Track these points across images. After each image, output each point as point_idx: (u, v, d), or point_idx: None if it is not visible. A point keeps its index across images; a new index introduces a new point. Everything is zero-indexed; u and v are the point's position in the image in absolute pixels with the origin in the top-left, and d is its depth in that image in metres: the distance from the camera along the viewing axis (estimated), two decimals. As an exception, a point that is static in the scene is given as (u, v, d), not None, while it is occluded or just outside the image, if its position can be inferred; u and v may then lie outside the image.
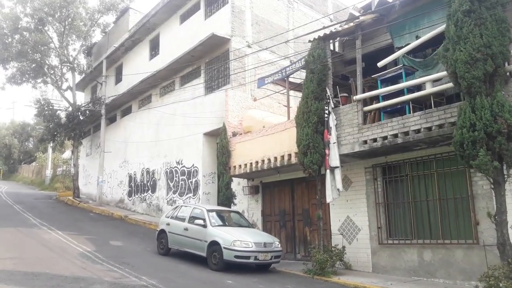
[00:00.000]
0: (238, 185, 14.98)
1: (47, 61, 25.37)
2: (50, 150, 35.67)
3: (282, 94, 16.94)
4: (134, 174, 21.61)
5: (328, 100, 10.69)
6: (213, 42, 16.10)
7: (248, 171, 13.44)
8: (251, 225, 11.66)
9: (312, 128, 10.48)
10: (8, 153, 51.95)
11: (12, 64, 24.78)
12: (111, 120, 24.60)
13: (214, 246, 10.06)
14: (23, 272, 8.39)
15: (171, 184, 18.45)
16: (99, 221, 18.20)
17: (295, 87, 15.54)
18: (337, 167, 10.29)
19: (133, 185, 21.68)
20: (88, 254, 10.87)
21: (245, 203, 14.73)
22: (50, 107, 25.26)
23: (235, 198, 13.97)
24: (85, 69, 24.85)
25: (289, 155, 11.95)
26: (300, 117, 10.82)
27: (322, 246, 10.41)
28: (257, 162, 13.10)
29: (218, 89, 16.40)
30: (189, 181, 17.28)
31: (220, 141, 14.22)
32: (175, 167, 18.34)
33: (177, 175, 18.13)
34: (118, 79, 24.81)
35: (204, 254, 10.31)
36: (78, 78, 26.69)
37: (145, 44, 21.93)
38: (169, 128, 19.13)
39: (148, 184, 20.28)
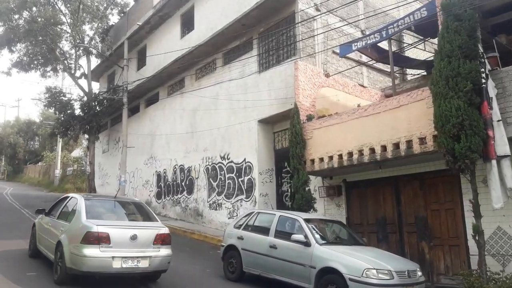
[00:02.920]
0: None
1: (59, 44, 22.07)
2: (59, 148, 32.41)
3: (356, 72, 13.62)
4: (164, 173, 18.28)
5: (483, 60, 7.36)
6: (273, 4, 12.76)
7: (334, 165, 10.06)
8: (363, 241, 8.26)
9: (464, 99, 7.12)
10: (12, 153, 48.83)
11: (19, 47, 21.49)
12: (133, 111, 21.28)
13: (328, 275, 6.70)
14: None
15: (214, 184, 15.10)
16: (126, 230, 14.86)
17: (382, 58, 12.22)
18: (507, 155, 6.96)
19: (162, 185, 18.34)
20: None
21: (320, 208, 11.38)
22: (62, 97, 21.97)
23: (315, 202, 10.61)
24: (103, 51, 21.47)
25: (408, 141, 8.58)
26: (441, 84, 7.45)
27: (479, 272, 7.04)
28: (350, 154, 9.73)
29: (278, 64, 13.02)
30: (240, 179, 13.92)
31: (291, 127, 10.86)
32: (220, 163, 14.99)
33: (222, 173, 14.78)
34: (141, 64, 21.47)
35: (310, 286, 6.94)
36: (92, 65, 23.42)
37: (175, 19, 18.60)
38: (209, 117, 15.80)
39: (183, 184, 16.94)
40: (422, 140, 8.36)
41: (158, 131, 19.09)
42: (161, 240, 7.15)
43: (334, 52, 13.15)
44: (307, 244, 7.16)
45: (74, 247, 6.58)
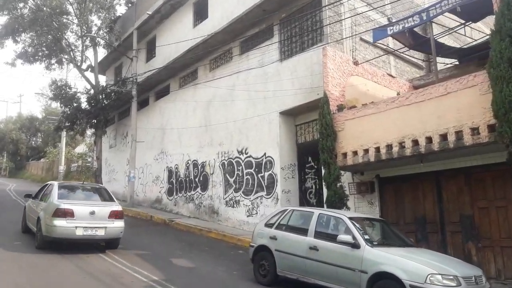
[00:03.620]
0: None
1: (65, 35, 21.24)
2: (63, 143, 31.61)
3: (384, 61, 12.80)
4: (176, 168, 17.48)
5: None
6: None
7: (371, 159, 9.25)
8: (411, 242, 7.44)
9: (532, 83, 6.31)
10: (15, 149, 48.05)
11: (24, 37, 20.66)
12: (141, 104, 20.45)
13: (383, 280, 5.89)
14: None
15: (231, 180, 14.30)
16: (139, 228, 14.09)
17: (416, 44, 11.39)
18: None
19: (174, 181, 17.54)
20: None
21: (351, 205, 10.51)
22: (68, 90, 21.15)
23: (348, 199, 9.79)
24: (111, 41, 20.61)
25: (458, 132, 7.77)
26: (503, 67, 6.64)
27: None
28: (389, 147, 8.92)
29: (302, 51, 12.18)
30: (259, 175, 13.11)
31: (321, 118, 10.05)
32: (237, 157, 14.18)
33: (240, 168, 13.97)
34: (150, 55, 20.66)
35: (360, 293, 6.15)
36: (99, 57, 22.57)
37: (188, 8, 17.76)
38: (225, 109, 14.98)
39: (196, 180, 16.14)
40: (474, 131, 7.56)
41: (169, 124, 18.29)
42: (114, 215, 9.44)
43: (361, 39, 12.33)
44: (355, 245, 6.36)
45: (48, 219, 8.86)
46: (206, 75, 16.42)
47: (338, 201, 9.45)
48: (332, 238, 6.82)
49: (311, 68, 11.57)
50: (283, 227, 7.73)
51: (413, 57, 14.37)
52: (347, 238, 6.43)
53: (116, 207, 9.65)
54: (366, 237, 6.51)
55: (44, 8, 19.31)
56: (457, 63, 12.60)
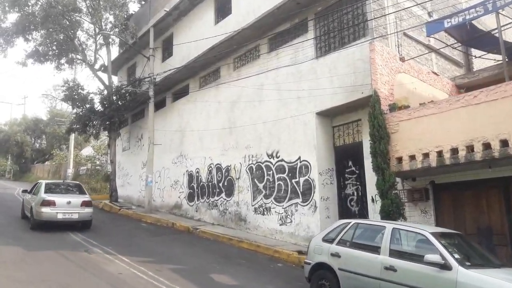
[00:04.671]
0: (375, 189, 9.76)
1: (78, 34, 20.41)
2: (71, 146, 30.73)
3: (426, 59, 11.96)
4: (197, 172, 16.60)
5: None
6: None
7: (432, 165, 8.41)
8: (498, 260, 6.55)
9: None
10: (19, 151, 47.15)
11: (35, 36, 19.80)
12: (157, 106, 19.52)
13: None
14: None
15: (261, 185, 13.42)
16: (162, 236, 13.26)
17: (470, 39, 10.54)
18: None
19: (195, 186, 16.66)
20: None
21: (400, 214, 9.64)
22: (80, 90, 20.30)
23: (404, 208, 8.91)
24: (127, 39, 19.74)
25: (542, 135, 6.90)
26: None
27: None
28: (454, 150, 8.06)
29: (342, 47, 11.30)
30: (293, 181, 12.23)
31: (372, 119, 9.18)
32: (267, 161, 13.30)
33: (270, 173, 13.09)
34: (167, 55, 19.79)
35: (454, 323, 5.27)
36: (111, 56, 21.68)
37: (208, 4, 16.90)
38: (252, 110, 14.11)
39: (220, 185, 15.26)
40: None
41: (189, 126, 17.41)
42: (85, 204, 12.87)
43: (405, 34, 11.46)
44: (445, 267, 5.48)
45: (37, 208, 12.24)
46: (229, 74, 15.55)
47: (395, 210, 8.56)
48: (412, 257, 5.96)
49: (353, 65, 10.70)
50: (346, 243, 6.85)
51: (454, 54, 13.54)
52: (436, 258, 5.55)
53: (86, 198, 13.24)
54: (457, 256, 5.63)
55: (57, 5, 18.43)
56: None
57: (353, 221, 7.19)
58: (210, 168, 15.86)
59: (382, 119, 9.10)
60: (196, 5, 17.46)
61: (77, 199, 12.82)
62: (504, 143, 7.40)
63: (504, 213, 8.38)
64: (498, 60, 11.77)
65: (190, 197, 16.87)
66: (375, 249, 6.39)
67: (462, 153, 7.95)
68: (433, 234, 5.99)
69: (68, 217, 12.39)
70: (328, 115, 11.94)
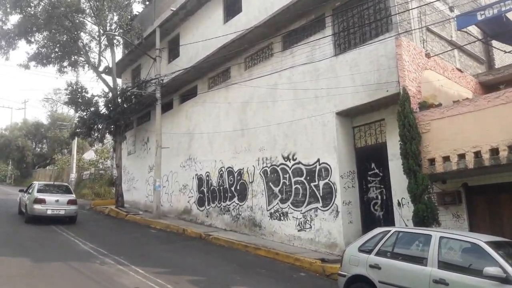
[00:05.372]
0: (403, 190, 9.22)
1: (81, 36, 19.88)
2: (74, 150, 30.16)
3: (449, 55, 11.46)
4: (207, 176, 16.04)
5: None
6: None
7: (469, 166, 7.89)
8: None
9: None
10: (20, 156, 46.58)
11: (38, 38, 19.25)
12: (164, 108, 18.92)
13: None
14: None
15: (276, 189, 12.85)
16: (174, 244, 12.68)
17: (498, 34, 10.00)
18: None
19: (205, 190, 16.09)
20: None
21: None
22: (84, 93, 19.76)
23: (438, 213, 8.35)
24: (132, 40, 19.20)
25: None
26: None
27: None
28: (494, 151, 7.52)
29: (364, 43, 10.74)
30: (312, 184, 11.67)
31: (401, 118, 8.63)
32: (282, 164, 12.74)
33: (287, 176, 12.53)
34: (173, 55, 19.25)
35: None
36: (116, 58, 21.13)
37: (217, 2, 16.38)
38: (265, 111, 13.57)
39: (232, 189, 14.70)
40: None
41: (198, 129, 16.86)
42: (71, 202, 14.98)
43: (428, 29, 10.93)
44: (507, 281, 4.92)
45: (31, 205, 14.38)
46: (240, 74, 15.01)
47: (430, 216, 8.00)
48: (466, 269, 5.40)
49: (377, 61, 10.16)
50: (387, 254, 6.28)
51: (474, 50, 13.03)
52: (496, 271, 4.99)
53: (72, 197, 15.34)
54: (520, 269, 5.06)
55: (60, 6, 17.91)
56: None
57: (393, 229, 6.62)
58: (221, 172, 15.30)
59: (413, 118, 8.57)
60: (204, 4, 16.94)
61: (64, 198, 14.95)
62: (551, 142, 6.86)
63: (547, 217, 7.83)
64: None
65: (200, 202, 16.29)
66: (421, 260, 5.82)
67: (503, 154, 7.40)
68: (489, 243, 5.42)
69: (56, 213, 14.47)
70: (348, 115, 11.39)
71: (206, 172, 16.10)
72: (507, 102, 7.46)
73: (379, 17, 10.51)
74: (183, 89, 18.43)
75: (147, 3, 22.41)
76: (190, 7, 17.34)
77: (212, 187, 15.72)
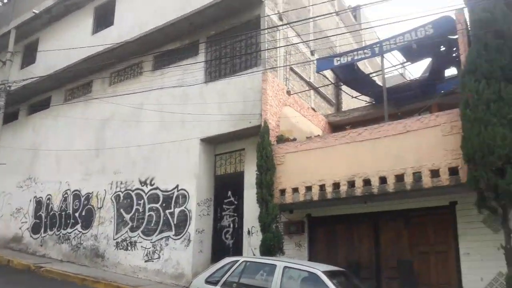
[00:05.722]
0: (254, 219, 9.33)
1: None
2: None
3: (306, 95, 12.56)
4: (48, 199, 13.98)
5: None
6: (235, 4, 10.89)
7: (314, 198, 8.38)
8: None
9: (509, 127, 6.23)
10: None
11: None
12: (7, 118, 16.15)
13: None
14: None
15: (127, 216, 11.79)
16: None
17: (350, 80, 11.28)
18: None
19: (43, 215, 13.94)
20: None
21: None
22: None
23: (283, 242, 8.52)
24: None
25: (416, 173, 7.37)
26: (481, 109, 6.45)
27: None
28: (336, 185, 8.13)
29: (233, 74, 10.99)
30: (167, 211, 11.02)
31: (260, 149, 8.85)
32: (138, 189, 11.84)
33: (141, 203, 11.64)
34: (28, 61, 17.01)
35: None
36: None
37: (87, 11, 15.23)
38: (127, 131, 12.67)
39: (76, 215, 13.03)
40: (434, 173, 7.22)
41: (45, 145, 14.82)
42: None
43: (291, 69, 11.81)
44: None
45: None
46: (104, 89, 13.92)
47: (276, 245, 8.12)
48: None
49: (244, 93, 10.43)
50: (233, 284, 6.03)
51: (327, 93, 14.40)
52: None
53: None
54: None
55: None
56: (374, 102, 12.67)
57: (241, 259, 6.46)
58: (66, 195, 13.54)
59: (270, 150, 8.84)
60: (73, 11, 15.62)
61: None
62: (383, 180, 7.69)
63: (372, 247, 8.65)
64: (368, 102, 12.87)
65: (35, 228, 14.01)
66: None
67: (343, 188, 8.04)
68: (325, 273, 5.59)
69: None
70: (212, 142, 11.30)
71: (48, 195, 14.06)
72: (351, 141, 8.22)
73: (249, 51, 10.94)
74: (34, 99, 16.25)
75: (5, 1, 19.75)
76: (56, 12, 15.78)
77: (52, 212, 13.72)
